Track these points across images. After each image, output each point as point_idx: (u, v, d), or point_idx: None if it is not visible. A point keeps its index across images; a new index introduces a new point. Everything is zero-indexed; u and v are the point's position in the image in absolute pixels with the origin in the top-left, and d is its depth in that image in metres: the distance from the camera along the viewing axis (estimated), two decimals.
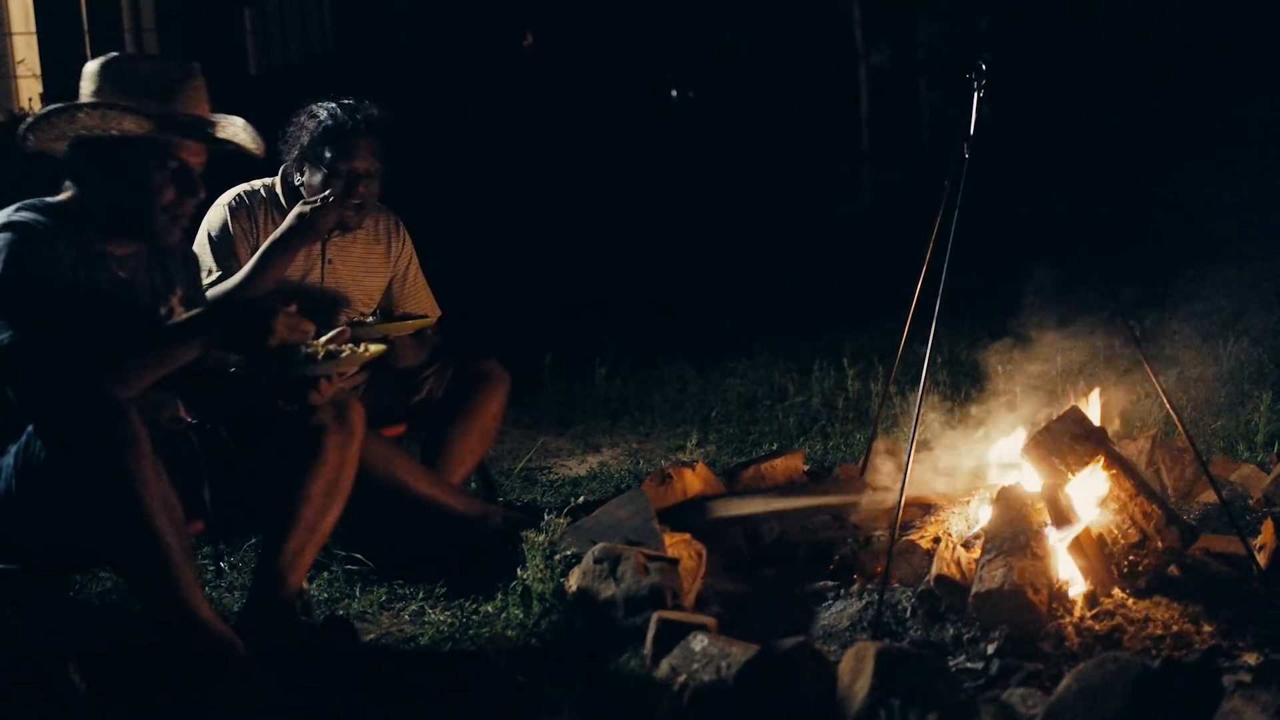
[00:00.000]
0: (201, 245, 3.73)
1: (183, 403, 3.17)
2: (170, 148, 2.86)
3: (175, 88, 2.89)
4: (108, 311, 2.85)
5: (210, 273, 3.68)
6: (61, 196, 2.91)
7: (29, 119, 2.82)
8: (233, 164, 3.44)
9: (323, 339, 3.06)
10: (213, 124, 2.93)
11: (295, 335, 2.81)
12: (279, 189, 3.82)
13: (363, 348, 3.06)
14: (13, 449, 2.73)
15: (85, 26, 10.11)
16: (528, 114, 15.93)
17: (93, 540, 2.71)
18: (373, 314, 3.88)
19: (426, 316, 3.88)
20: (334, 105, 3.76)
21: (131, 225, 2.90)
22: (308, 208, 3.60)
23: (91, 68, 2.89)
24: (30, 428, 2.70)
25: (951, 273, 3.25)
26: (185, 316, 2.89)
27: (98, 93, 2.87)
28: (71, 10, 9.88)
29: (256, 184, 3.84)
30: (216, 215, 3.77)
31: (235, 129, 2.97)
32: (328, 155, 3.71)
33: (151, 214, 2.87)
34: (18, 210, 2.84)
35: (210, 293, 3.53)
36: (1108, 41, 14.10)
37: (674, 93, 19.36)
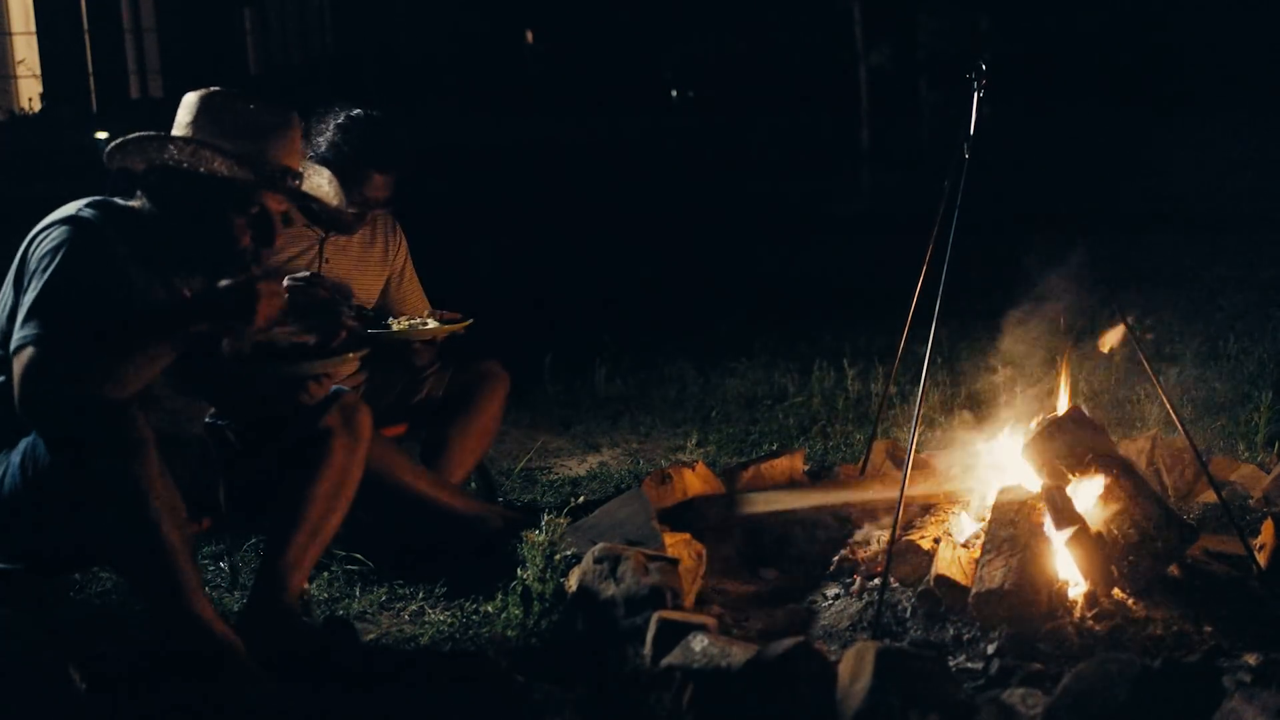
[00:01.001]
0: None
1: (212, 404, 3.16)
2: (253, 194, 2.84)
3: (269, 134, 2.87)
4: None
5: None
6: (133, 203, 2.88)
7: (120, 139, 2.79)
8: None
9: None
10: (300, 176, 2.93)
11: (278, 309, 2.77)
12: None
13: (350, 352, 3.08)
14: (21, 445, 2.72)
15: (85, 26, 10.12)
16: (528, 114, 15.94)
17: (96, 542, 2.71)
18: (416, 318, 3.83)
19: (464, 319, 3.85)
20: (366, 128, 3.68)
21: (203, 262, 2.87)
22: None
23: (191, 99, 2.88)
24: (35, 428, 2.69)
25: (951, 272, 3.25)
26: (167, 308, 2.82)
27: (193, 125, 2.85)
28: (71, 10, 9.89)
29: None
30: None
31: (321, 181, 2.99)
32: (349, 180, 3.67)
33: (227, 256, 2.85)
34: (87, 207, 2.80)
35: None
36: (1105, 41, 14.15)
37: (674, 93, 19.38)
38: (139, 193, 2.88)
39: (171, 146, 2.80)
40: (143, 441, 2.62)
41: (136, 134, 2.81)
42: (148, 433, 2.64)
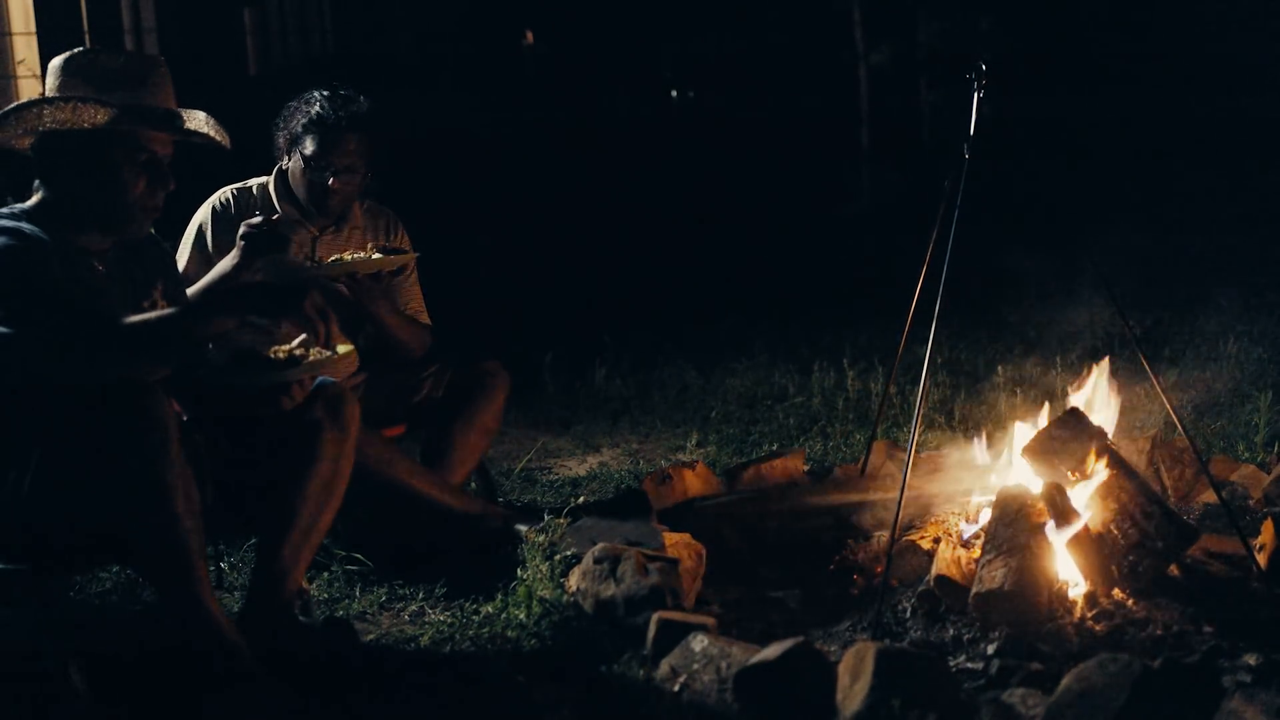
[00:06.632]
0: (185, 239, 3.74)
1: (177, 401, 3.14)
2: (139, 139, 2.85)
3: (142, 81, 2.88)
4: (98, 303, 2.83)
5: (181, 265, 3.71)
6: (32, 200, 2.90)
7: None
8: (233, 163, 3.42)
9: (294, 342, 3.04)
10: (180, 116, 2.93)
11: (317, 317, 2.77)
12: (272, 187, 3.81)
13: (332, 349, 3.04)
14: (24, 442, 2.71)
15: (85, 26, 10.09)
16: (528, 114, 15.94)
17: (111, 524, 2.69)
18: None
19: (408, 252, 3.85)
20: (326, 96, 3.75)
21: (105, 219, 2.89)
22: (247, 230, 3.52)
23: (56, 63, 2.89)
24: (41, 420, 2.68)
25: (951, 272, 3.25)
26: (205, 300, 2.86)
27: (63, 87, 2.86)
28: (71, 10, 9.86)
29: (252, 182, 3.84)
30: (200, 216, 3.77)
31: (199, 121, 2.97)
32: (309, 147, 3.71)
33: (124, 207, 2.87)
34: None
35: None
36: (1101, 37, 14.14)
37: (674, 93, 19.35)
38: (35, 183, 2.89)
39: (47, 109, 2.80)
40: (164, 418, 2.63)
41: (13, 104, 2.82)
42: (169, 412, 2.65)
